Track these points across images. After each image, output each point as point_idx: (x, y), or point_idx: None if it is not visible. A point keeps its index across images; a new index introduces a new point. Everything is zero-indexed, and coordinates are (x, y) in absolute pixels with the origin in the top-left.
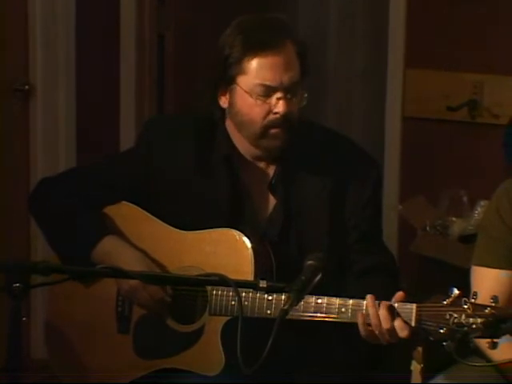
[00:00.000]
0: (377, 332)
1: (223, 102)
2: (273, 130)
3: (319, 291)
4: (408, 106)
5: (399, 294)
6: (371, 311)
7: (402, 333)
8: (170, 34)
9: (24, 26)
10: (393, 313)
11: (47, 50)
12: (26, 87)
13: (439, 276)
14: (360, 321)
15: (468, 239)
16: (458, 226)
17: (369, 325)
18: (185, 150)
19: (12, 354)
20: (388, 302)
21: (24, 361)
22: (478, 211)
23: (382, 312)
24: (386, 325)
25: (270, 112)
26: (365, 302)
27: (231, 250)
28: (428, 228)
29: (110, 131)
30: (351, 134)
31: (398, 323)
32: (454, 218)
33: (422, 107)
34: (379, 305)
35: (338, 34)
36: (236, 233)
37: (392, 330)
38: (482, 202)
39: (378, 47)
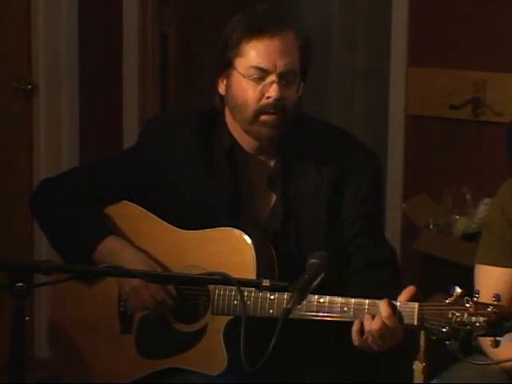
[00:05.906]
0: (370, 339)
1: (222, 88)
2: (263, 117)
3: (320, 288)
4: (411, 104)
5: (410, 289)
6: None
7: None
8: (172, 32)
9: (27, 25)
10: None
11: (50, 50)
12: (29, 86)
13: (442, 274)
14: (354, 328)
15: (471, 237)
16: (461, 224)
17: (362, 335)
18: (185, 147)
19: (15, 353)
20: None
21: (27, 360)
22: (482, 209)
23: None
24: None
25: (262, 96)
26: (367, 302)
27: (233, 249)
28: (431, 226)
29: (113, 129)
30: (354, 132)
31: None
32: (457, 216)
33: (424, 105)
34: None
35: (340, 32)
36: (238, 232)
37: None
38: (486, 200)
39: (380, 45)
